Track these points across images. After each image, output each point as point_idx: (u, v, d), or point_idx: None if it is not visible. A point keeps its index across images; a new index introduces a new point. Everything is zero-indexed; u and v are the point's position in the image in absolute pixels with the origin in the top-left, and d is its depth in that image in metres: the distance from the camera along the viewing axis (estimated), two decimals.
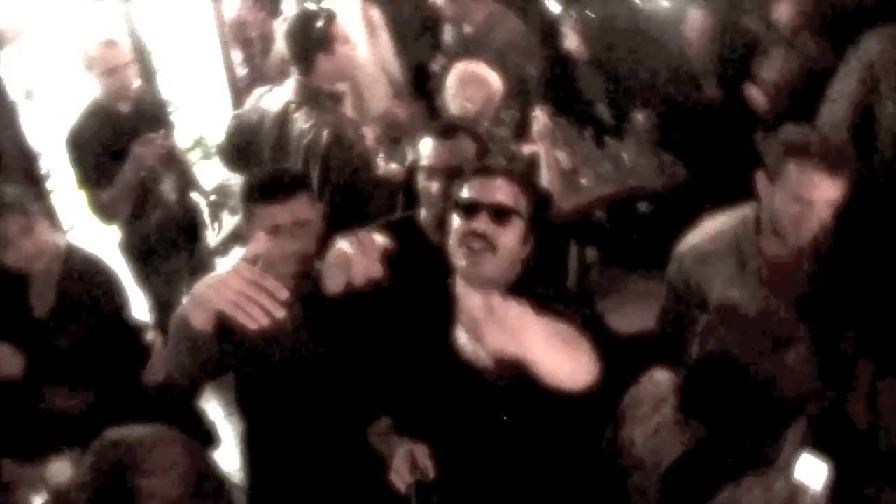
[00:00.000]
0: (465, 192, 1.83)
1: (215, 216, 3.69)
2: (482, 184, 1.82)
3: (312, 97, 2.90)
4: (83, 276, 2.46)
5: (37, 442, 2.12)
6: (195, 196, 3.59)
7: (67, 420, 2.29)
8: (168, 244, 3.41)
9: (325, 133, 2.80)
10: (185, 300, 1.66)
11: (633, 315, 3.02)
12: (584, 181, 3.27)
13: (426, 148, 2.29)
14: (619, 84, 3.67)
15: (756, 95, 3.35)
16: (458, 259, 1.78)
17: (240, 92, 4.20)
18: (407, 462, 1.64)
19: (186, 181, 3.51)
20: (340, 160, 2.79)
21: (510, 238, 1.79)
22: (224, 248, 3.85)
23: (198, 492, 1.53)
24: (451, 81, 3.15)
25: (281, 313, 1.47)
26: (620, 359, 1.66)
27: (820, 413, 1.78)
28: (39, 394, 2.36)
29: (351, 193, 2.82)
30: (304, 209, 1.93)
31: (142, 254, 3.40)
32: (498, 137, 3.19)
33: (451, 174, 2.15)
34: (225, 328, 1.63)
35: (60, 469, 1.96)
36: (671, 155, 3.38)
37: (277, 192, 1.91)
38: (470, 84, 3.10)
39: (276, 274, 1.70)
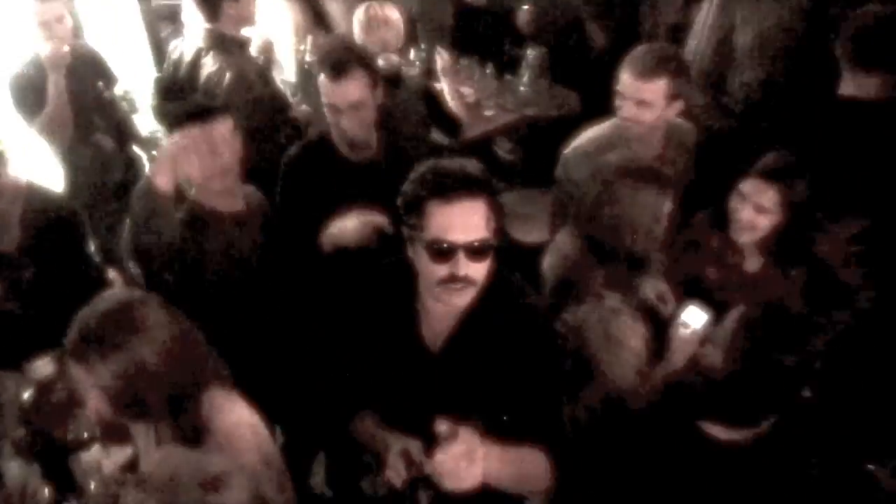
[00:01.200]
0: (434, 232, 1.65)
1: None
2: (449, 220, 1.65)
3: (218, 43, 3.17)
4: (45, 213, 2.59)
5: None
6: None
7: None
8: (108, 193, 3.64)
9: (227, 75, 3.08)
10: (148, 168, 2.02)
11: (537, 227, 3.48)
12: (487, 112, 3.67)
13: (322, 87, 2.46)
14: (514, 26, 4.04)
15: None
16: (435, 293, 1.73)
17: (161, 47, 4.39)
18: (402, 458, 1.61)
19: (125, 133, 3.74)
20: (241, 101, 3.03)
21: (487, 265, 1.72)
22: None
23: (181, 358, 1.67)
24: (357, 23, 3.37)
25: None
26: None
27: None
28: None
29: (261, 132, 3.06)
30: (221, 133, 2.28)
31: (83, 204, 3.62)
32: (409, 76, 3.53)
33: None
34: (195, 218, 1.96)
35: (43, 366, 2.25)
36: (563, 87, 3.79)
37: (198, 117, 2.25)
38: (376, 25, 3.35)
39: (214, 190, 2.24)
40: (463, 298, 1.72)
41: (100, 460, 2.09)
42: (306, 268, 2.51)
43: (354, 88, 2.41)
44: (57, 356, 2.25)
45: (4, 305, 2.55)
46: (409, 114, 3.14)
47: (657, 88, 2.40)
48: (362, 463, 1.91)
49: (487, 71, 3.92)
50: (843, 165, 2.35)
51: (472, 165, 1.71)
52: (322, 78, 2.45)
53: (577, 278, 2.07)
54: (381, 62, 3.07)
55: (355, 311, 1.89)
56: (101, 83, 3.52)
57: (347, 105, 2.42)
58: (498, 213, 1.71)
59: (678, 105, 2.48)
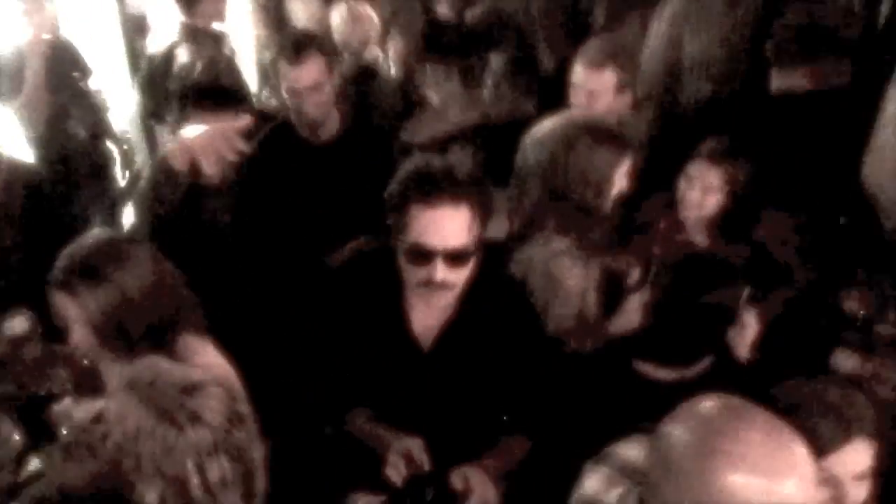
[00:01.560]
0: (414, 236, 1.67)
1: (126, 162, 4.05)
2: (429, 225, 1.65)
3: (192, 36, 3.35)
4: (25, 184, 2.69)
5: None
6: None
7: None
8: (79, 182, 3.72)
9: (198, 65, 3.25)
10: (169, 143, 2.11)
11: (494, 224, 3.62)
12: (452, 113, 3.86)
13: (282, 71, 2.62)
14: (478, 35, 4.25)
15: None
16: (416, 292, 1.77)
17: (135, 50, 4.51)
18: (402, 456, 1.62)
19: (98, 126, 3.84)
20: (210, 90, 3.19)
21: (467, 271, 1.74)
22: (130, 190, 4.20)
23: (164, 293, 1.79)
24: (339, 18, 3.62)
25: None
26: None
27: None
28: None
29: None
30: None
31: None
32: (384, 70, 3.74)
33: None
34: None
35: (18, 323, 2.32)
36: (524, 90, 3.99)
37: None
38: (358, 21, 3.59)
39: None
40: (442, 299, 1.76)
41: (71, 410, 2.17)
42: (290, 265, 2.63)
43: (312, 71, 2.57)
44: (28, 315, 2.35)
45: None
46: (381, 104, 3.31)
47: (606, 79, 2.58)
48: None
49: (453, 79, 4.12)
50: (778, 155, 2.56)
51: (460, 166, 1.71)
52: (282, 63, 2.60)
53: (532, 221, 2.22)
54: (365, 55, 3.27)
55: (343, 310, 1.89)
56: (76, 73, 3.62)
57: (305, 87, 2.57)
58: (483, 216, 1.70)
59: (627, 98, 2.67)
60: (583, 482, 1.42)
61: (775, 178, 2.48)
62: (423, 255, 1.66)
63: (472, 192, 1.68)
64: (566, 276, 2.16)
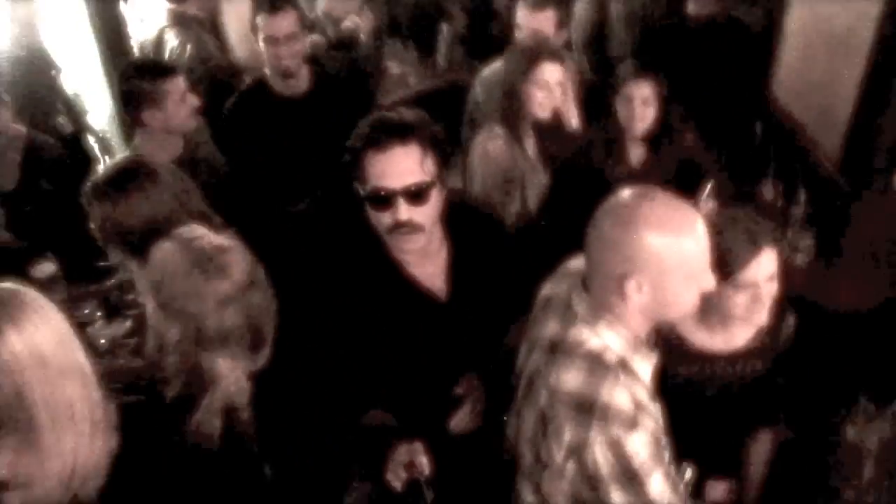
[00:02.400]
0: (372, 182, 1.70)
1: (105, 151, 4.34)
2: (383, 167, 1.69)
3: (180, 20, 3.67)
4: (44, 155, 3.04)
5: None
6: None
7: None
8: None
9: (188, 47, 3.58)
10: None
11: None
12: (411, 80, 4.24)
13: (260, 23, 2.91)
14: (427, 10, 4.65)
15: None
16: (390, 243, 1.79)
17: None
18: (403, 461, 1.61)
19: (80, 123, 4.12)
20: (202, 70, 3.51)
21: (433, 206, 1.75)
22: None
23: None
24: None
25: None
26: None
27: None
28: None
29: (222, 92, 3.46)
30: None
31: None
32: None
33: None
34: None
35: (46, 266, 2.62)
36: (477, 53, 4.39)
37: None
38: None
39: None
40: (413, 243, 1.76)
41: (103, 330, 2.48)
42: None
43: (288, 21, 2.89)
44: (55, 259, 2.65)
45: (2, 236, 2.93)
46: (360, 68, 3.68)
47: (547, 17, 2.96)
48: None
49: (410, 51, 4.51)
50: (697, 74, 2.97)
51: (408, 114, 1.75)
52: (260, 16, 2.90)
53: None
54: (348, 23, 3.63)
55: (347, 300, 1.87)
56: (53, 72, 3.92)
57: (283, 35, 2.88)
58: (435, 151, 1.73)
59: (565, 34, 3.06)
60: (541, 287, 1.77)
61: (695, 94, 2.87)
62: (384, 199, 1.70)
63: (421, 130, 1.72)
64: (499, 153, 2.58)
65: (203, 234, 1.74)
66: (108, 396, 1.65)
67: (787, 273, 1.88)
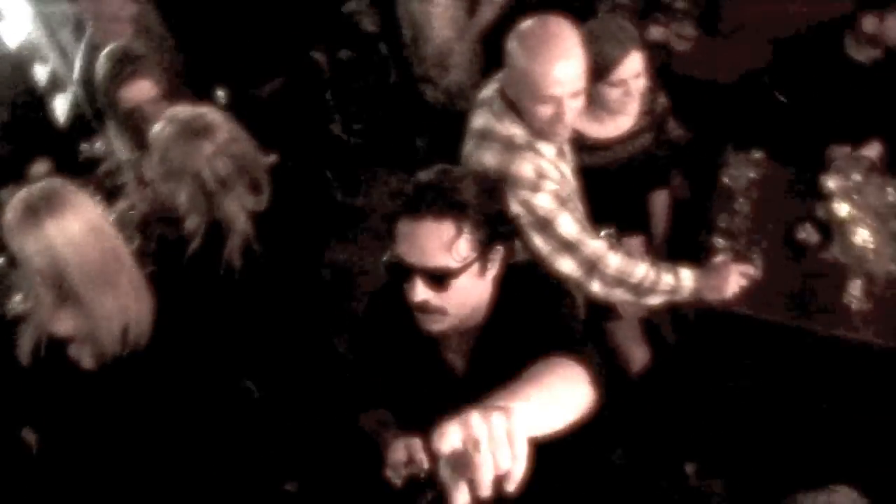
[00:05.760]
0: (396, 249, 1.54)
1: None
2: (406, 239, 1.50)
3: None
4: None
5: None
6: None
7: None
8: None
9: None
10: None
11: None
12: None
13: None
14: None
15: None
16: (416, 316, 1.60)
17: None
18: (401, 457, 1.55)
19: None
20: None
21: (460, 294, 1.54)
22: None
23: None
24: None
25: None
26: None
27: None
28: None
29: None
30: None
31: None
32: None
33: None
34: None
35: (41, 166, 2.98)
36: None
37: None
38: None
39: None
40: (433, 325, 1.59)
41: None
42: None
43: None
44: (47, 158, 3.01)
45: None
46: None
47: None
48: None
49: None
50: None
51: (466, 183, 1.52)
52: None
53: None
54: None
55: (376, 352, 1.79)
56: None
57: None
58: (486, 234, 1.51)
59: None
60: None
61: None
62: (402, 272, 1.54)
63: (466, 208, 1.49)
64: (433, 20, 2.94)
65: (183, 108, 2.14)
66: (141, 266, 2.12)
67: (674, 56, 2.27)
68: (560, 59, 1.85)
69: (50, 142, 3.08)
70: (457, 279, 1.51)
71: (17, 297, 2.40)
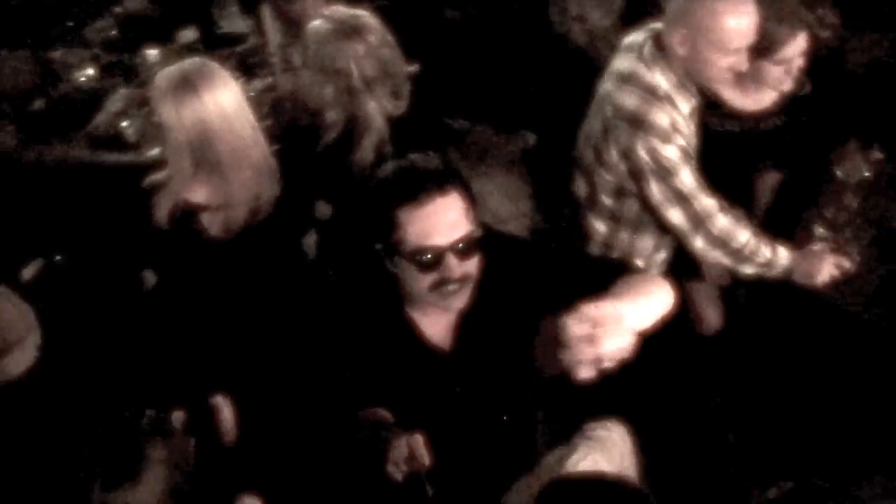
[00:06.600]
0: (414, 241, 1.54)
1: None
2: (424, 225, 1.52)
3: None
4: None
5: None
6: None
7: None
8: None
9: None
10: None
11: None
12: None
13: None
14: None
15: None
16: (430, 301, 1.62)
17: None
18: (403, 452, 1.55)
19: None
20: None
21: (478, 258, 1.61)
22: None
23: None
24: None
25: None
26: None
27: None
28: None
29: None
30: None
31: None
32: None
33: None
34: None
35: (189, 33, 3.16)
36: None
37: None
38: None
39: None
40: (461, 299, 1.63)
41: None
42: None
43: None
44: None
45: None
46: None
47: None
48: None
49: None
50: None
51: (431, 159, 1.61)
52: None
53: None
54: None
55: (346, 339, 1.74)
56: None
57: None
58: (470, 196, 1.60)
59: None
60: None
61: None
62: (432, 258, 1.55)
63: (454, 176, 1.59)
64: None
65: (340, 8, 2.28)
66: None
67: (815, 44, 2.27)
68: (746, 16, 2.02)
69: (196, 9, 3.23)
70: (479, 241, 1.60)
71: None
